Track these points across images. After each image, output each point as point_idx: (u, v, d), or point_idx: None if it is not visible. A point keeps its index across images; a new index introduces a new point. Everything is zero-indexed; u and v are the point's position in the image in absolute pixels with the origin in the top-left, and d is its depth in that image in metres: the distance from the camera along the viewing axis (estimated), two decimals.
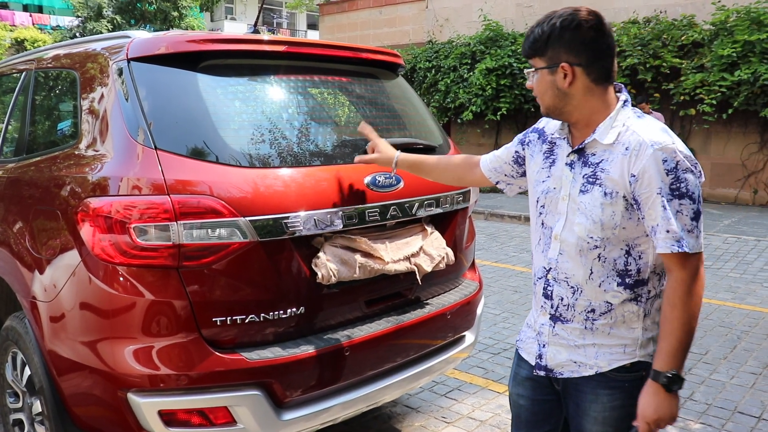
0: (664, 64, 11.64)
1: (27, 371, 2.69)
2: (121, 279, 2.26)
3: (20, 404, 2.86)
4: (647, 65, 11.83)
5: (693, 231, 1.72)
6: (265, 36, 2.77)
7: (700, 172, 1.75)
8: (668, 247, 1.72)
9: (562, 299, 1.92)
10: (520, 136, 2.15)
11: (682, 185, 1.71)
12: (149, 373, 2.26)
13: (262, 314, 2.40)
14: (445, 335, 3.07)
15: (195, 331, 2.30)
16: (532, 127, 2.11)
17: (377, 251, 2.62)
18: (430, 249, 2.84)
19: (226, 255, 2.30)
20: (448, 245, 2.98)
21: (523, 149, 2.11)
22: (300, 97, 2.80)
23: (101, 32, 24.45)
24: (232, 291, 2.34)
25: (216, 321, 2.32)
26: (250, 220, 2.31)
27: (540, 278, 1.99)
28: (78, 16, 28.91)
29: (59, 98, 3.11)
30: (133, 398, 2.25)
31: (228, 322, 2.34)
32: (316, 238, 2.52)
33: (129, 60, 2.49)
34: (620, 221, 1.79)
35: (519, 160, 2.14)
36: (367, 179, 2.64)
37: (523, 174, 2.15)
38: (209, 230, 2.27)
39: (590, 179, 1.82)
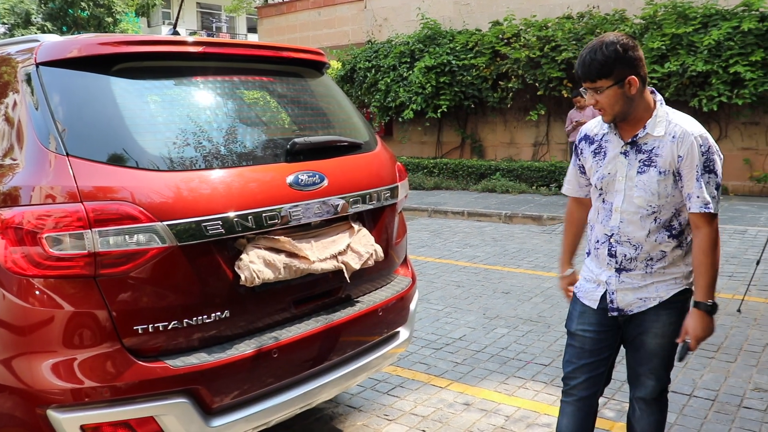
0: None
1: None
2: (36, 292, 2.18)
3: None
4: None
5: (716, 197, 2.36)
6: (183, 37, 2.72)
7: (722, 157, 2.38)
8: (699, 208, 2.34)
9: (625, 255, 2.49)
10: (573, 152, 2.71)
11: (711, 164, 2.34)
12: (69, 387, 2.18)
13: (186, 320, 2.35)
14: (379, 332, 3.06)
15: (116, 340, 2.24)
16: (578, 138, 2.65)
17: (302, 251, 2.60)
18: (357, 246, 2.83)
19: (145, 261, 2.25)
20: (377, 242, 2.97)
21: (580, 159, 2.65)
22: (220, 99, 2.76)
23: None
24: (154, 298, 2.29)
25: (138, 329, 2.27)
26: (168, 225, 2.26)
27: (603, 242, 2.55)
28: (4, 23, 27.89)
29: None
30: (53, 414, 2.18)
31: (150, 330, 2.29)
32: (238, 240, 2.49)
33: (38, 65, 2.41)
34: (671, 191, 2.39)
35: (582, 169, 2.67)
36: (290, 178, 2.62)
37: None
38: (126, 237, 2.22)
39: (646, 162, 2.40)
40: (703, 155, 2.33)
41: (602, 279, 2.57)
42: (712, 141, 2.36)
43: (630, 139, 2.43)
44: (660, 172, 2.38)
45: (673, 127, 2.37)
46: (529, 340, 4.93)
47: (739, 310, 5.40)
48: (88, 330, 2.21)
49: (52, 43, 2.50)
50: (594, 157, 2.55)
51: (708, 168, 2.33)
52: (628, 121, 2.42)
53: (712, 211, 2.34)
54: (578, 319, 2.68)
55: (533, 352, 4.68)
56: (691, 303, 2.47)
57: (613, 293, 2.54)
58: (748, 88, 10.31)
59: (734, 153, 11.51)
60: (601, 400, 2.82)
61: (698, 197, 2.34)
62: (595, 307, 2.60)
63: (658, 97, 2.43)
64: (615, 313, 2.56)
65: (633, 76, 2.30)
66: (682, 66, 10.83)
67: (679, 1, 11.43)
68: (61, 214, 2.16)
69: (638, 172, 2.43)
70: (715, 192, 2.36)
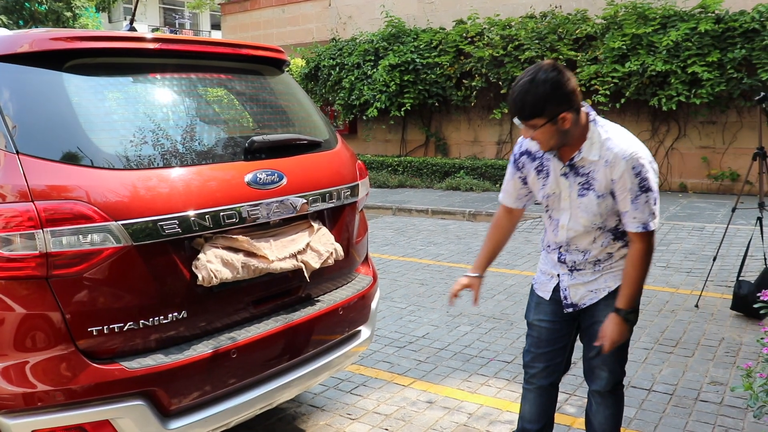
0: (561, 56, 12.03)
1: None
2: None
3: None
4: (545, 58, 12.19)
5: (654, 214, 2.38)
6: (140, 33, 2.67)
7: (656, 168, 2.38)
8: (635, 228, 2.40)
9: (574, 261, 2.60)
10: (511, 163, 2.68)
11: (645, 183, 2.34)
12: (20, 391, 2.13)
13: (142, 321, 2.31)
14: (340, 331, 3.05)
15: (70, 342, 2.19)
16: (518, 151, 2.64)
17: (260, 250, 2.57)
18: (317, 245, 2.82)
19: (99, 262, 2.21)
20: (337, 240, 2.96)
21: (522, 172, 2.64)
22: (178, 96, 2.71)
23: None
24: (109, 298, 2.25)
25: (92, 331, 2.22)
26: (123, 224, 2.22)
27: (553, 249, 2.67)
28: None
29: None
30: (3, 421, 2.13)
31: (106, 332, 2.25)
32: (195, 239, 2.46)
33: None
34: (612, 207, 2.44)
35: (524, 180, 2.66)
36: (248, 177, 2.59)
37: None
38: (79, 237, 2.17)
39: (585, 186, 2.45)
40: (636, 176, 2.33)
41: (554, 273, 2.70)
42: (645, 158, 2.35)
43: (568, 162, 2.46)
44: (598, 196, 2.43)
45: (605, 151, 2.37)
46: (492, 337, 4.96)
47: (696, 306, 5.51)
48: (40, 332, 2.16)
49: (1, 37, 2.43)
50: (537, 175, 2.59)
51: (643, 188, 2.34)
52: (565, 145, 2.44)
53: (649, 229, 2.40)
54: (534, 310, 2.79)
55: (496, 349, 4.71)
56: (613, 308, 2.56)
57: (566, 290, 2.66)
58: (706, 87, 10.52)
59: (692, 151, 11.74)
60: (562, 396, 2.93)
61: (635, 218, 2.39)
62: (548, 298, 2.71)
63: (592, 114, 2.42)
64: (570, 309, 2.67)
65: (566, 113, 2.29)
66: (642, 66, 11.00)
67: (639, 2, 11.61)
68: (11, 214, 2.11)
69: (579, 194, 2.48)
70: (653, 208, 2.38)
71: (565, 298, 2.67)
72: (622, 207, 2.41)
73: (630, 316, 2.51)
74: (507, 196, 2.76)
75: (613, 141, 2.37)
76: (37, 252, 2.11)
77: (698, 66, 10.51)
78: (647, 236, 2.41)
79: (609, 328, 2.52)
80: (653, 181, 2.36)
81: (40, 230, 2.11)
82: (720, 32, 10.55)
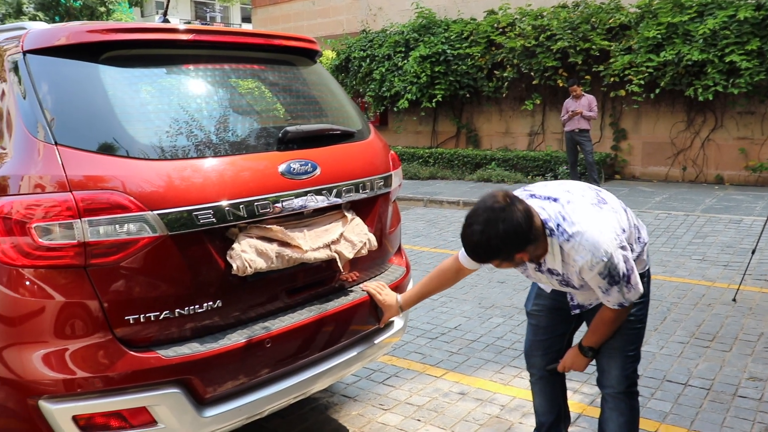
0: (594, 46, 11.87)
1: None
2: (26, 282, 2.16)
3: None
4: (577, 48, 12.04)
5: (629, 291, 2.34)
6: (173, 25, 2.69)
7: (626, 256, 2.29)
8: (612, 306, 2.41)
9: (570, 293, 2.65)
10: None
11: (615, 276, 2.28)
12: (61, 377, 2.16)
13: (178, 310, 2.33)
14: (373, 321, 3.04)
15: (108, 330, 2.22)
16: None
17: (294, 240, 2.57)
18: (351, 235, 2.81)
19: (136, 251, 2.23)
20: (370, 231, 2.95)
21: None
22: (211, 87, 2.73)
23: None
24: (145, 287, 2.27)
25: (129, 319, 2.25)
26: (159, 214, 2.24)
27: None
28: None
29: None
30: (45, 405, 2.16)
31: (142, 320, 2.27)
32: (230, 229, 2.47)
33: (25, 53, 2.37)
34: None
35: None
36: (282, 167, 2.59)
37: None
38: (116, 226, 2.19)
39: (563, 282, 2.46)
40: (605, 278, 2.28)
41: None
42: (608, 254, 2.24)
43: (537, 266, 2.46)
44: (577, 287, 2.45)
45: (571, 261, 2.30)
46: (524, 329, 4.89)
47: (734, 300, 5.40)
48: (79, 320, 2.19)
49: (39, 30, 2.46)
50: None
51: (613, 281, 2.29)
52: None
53: (625, 306, 2.42)
54: (534, 300, 2.85)
55: None
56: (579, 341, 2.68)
57: (572, 297, 2.67)
58: (744, 77, 10.30)
59: (730, 143, 11.51)
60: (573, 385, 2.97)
61: (609, 300, 2.39)
62: (550, 290, 2.74)
63: (549, 224, 2.31)
64: (577, 311, 2.67)
65: (522, 253, 2.27)
66: (677, 55, 10.81)
67: None
68: (50, 204, 2.14)
69: (559, 283, 2.50)
70: (626, 289, 2.33)
71: (572, 299, 2.66)
72: (597, 293, 2.40)
73: (589, 353, 2.64)
74: (466, 260, 2.67)
75: (575, 250, 2.27)
76: (76, 241, 2.14)
77: (736, 55, 10.29)
78: (622, 308, 2.44)
79: (569, 357, 2.70)
80: (622, 271, 2.28)
81: (78, 220, 2.14)
82: (760, 19, 10.31)
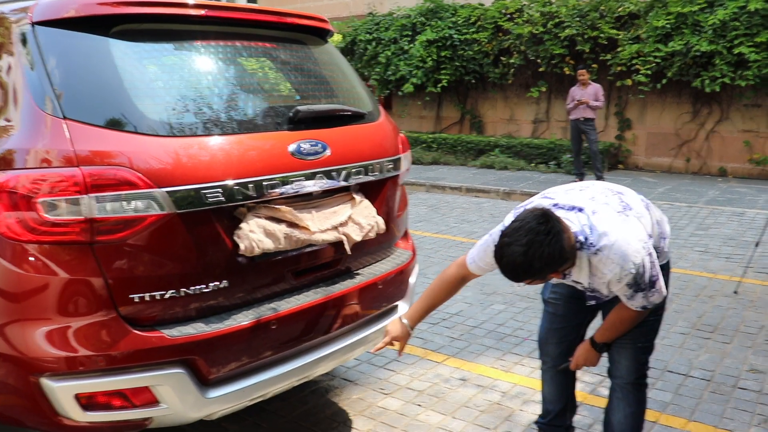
0: (602, 35, 11.78)
1: None
2: (31, 258, 2.13)
3: None
4: (585, 36, 11.96)
5: (653, 295, 2.34)
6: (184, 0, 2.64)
7: (652, 262, 2.28)
8: (635, 308, 2.40)
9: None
10: None
11: (642, 285, 2.28)
12: (63, 355, 2.15)
13: (183, 289, 2.31)
14: (378, 305, 3.03)
15: (112, 309, 2.20)
16: None
17: (303, 221, 2.55)
18: (359, 218, 2.79)
19: (143, 228, 2.20)
20: (378, 214, 2.92)
21: None
22: (222, 64, 2.68)
23: None
24: (151, 266, 2.24)
25: (134, 298, 2.22)
26: (167, 191, 2.21)
27: None
28: None
29: None
30: (47, 383, 2.14)
31: (147, 299, 2.25)
32: (238, 208, 2.43)
33: (33, 24, 2.32)
34: None
35: None
36: (292, 147, 2.56)
37: None
38: (123, 203, 2.16)
39: (591, 293, 2.50)
40: (631, 287, 2.29)
41: None
42: (636, 265, 2.22)
43: (563, 277, 2.44)
44: (606, 295, 2.47)
45: (599, 274, 2.28)
46: (525, 317, 4.91)
47: (735, 292, 5.39)
48: (83, 298, 2.17)
49: (48, 2, 2.41)
50: None
51: (639, 289, 2.29)
52: None
53: (648, 308, 2.42)
54: (552, 288, 2.84)
55: (530, 329, 4.65)
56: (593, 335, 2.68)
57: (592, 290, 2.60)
58: (752, 69, 10.23)
59: (735, 135, 11.46)
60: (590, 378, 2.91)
61: (632, 303, 2.39)
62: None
63: (579, 238, 2.25)
64: (593, 302, 2.61)
65: (556, 273, 2.26)
66: (686, 45, 10.73)
67: None
68: (57, 179, 2.10)
69: (582, 290, 2.53)
70: (650, 293, 2.33)
71: (592, 290, 2.57)
72: (621, 298, 2.41)
73: (602, 349, 2.66)
74: (478, 268, 2.57)
75: (603, 263, 2.24)
76: (82, 217, 2.11)
77: (745, 47, 10.21)
78: (646, 311, 2.45)
79: (580, 352, 2.70)
80: (647, 277, 2.27)
81: (86, 196, 2.10)
82: None
